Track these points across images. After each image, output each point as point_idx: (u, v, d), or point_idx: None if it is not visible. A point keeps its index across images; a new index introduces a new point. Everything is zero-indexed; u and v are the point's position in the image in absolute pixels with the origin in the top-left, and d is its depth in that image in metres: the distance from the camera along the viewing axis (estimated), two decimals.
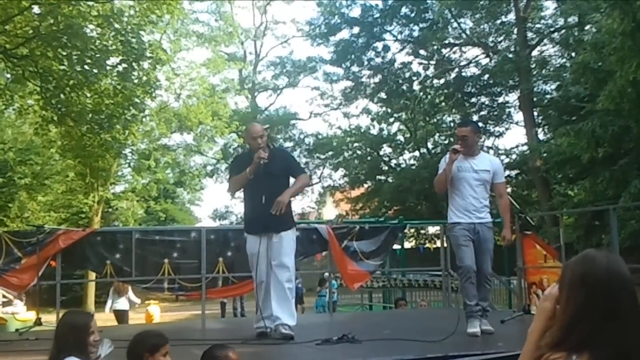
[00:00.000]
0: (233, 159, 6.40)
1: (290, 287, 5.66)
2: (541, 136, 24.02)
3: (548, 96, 23.67)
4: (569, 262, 1.90)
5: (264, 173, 5.51)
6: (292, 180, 5.85)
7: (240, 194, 6.35)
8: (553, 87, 23.19)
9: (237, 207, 34.69)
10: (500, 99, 27.10)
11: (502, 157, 27.51)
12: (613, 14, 12.02)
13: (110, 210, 26.62)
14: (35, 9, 13.08)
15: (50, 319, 6.83)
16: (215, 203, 60.53)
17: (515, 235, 7.50)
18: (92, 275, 12.25)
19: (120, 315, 11.94)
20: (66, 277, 9.12)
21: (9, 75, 14.59)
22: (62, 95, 13.55)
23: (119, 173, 26.38)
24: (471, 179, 5.75)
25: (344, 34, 28.60)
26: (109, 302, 12.21)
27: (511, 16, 23.98)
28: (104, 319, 11.58)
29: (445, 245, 8.96)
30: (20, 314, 11.58)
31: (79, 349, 3.15)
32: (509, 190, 25.99)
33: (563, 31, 22.63)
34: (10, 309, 11.83)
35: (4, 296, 11.53)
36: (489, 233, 5.78)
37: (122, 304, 12.02)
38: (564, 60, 23.24)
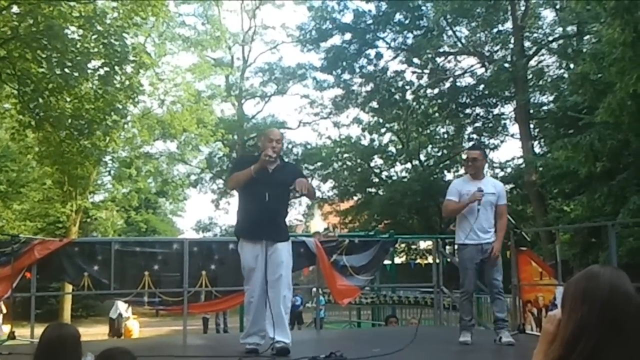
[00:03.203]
0: (239, 157, 6.39)
1: (288, 304, 5.65)
2: (537, 149, 24.14)
3: (545, 108, 23.81)
4: (573, 278, 1.92)
5: (268, 180, 5.45)
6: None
7: (234, 199, 6.30)
8: (550, 98, 23.32)
9: (222, 218, 34.62)
10: (496, 110, 27.25)
11: (497, 170, 27.69)
12: (614, 24, 12.09)
13: (88, 220, 26.45)
14: (14, 9, 13.01)
15: (24, 333, 6.77)
16: (199, 214, 60.34)
17: (510, 251, 7.53)
18: (69, 288, 12.14)
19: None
20: (41, 289, 9.03)
21: None
22: (40, 99, 13.48)
23: (99, 181, 26.27)
24: (481, 203, 6.21)
25: (336, 40, 28.69)
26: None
27: (508, 25, 24.14)
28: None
29: (437, 261, 8.98)
30: None
31: None
32: None
33: (561, 41, 22.77)
34: None
35: None
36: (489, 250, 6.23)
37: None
38: (562, 71, 23.39)
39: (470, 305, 6.35)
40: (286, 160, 6.50)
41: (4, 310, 11.65)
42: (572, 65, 21.02)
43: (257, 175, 5.45)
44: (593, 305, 1.78)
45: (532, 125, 23.90)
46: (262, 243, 5.46)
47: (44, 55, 12.98)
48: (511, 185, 26.93)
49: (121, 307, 12.62)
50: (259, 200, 5.47)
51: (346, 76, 29.17)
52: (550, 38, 23.49)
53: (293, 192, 5.62)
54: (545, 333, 1.95)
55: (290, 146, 34.90)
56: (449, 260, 10.10)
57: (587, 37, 20.38)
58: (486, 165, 6.71)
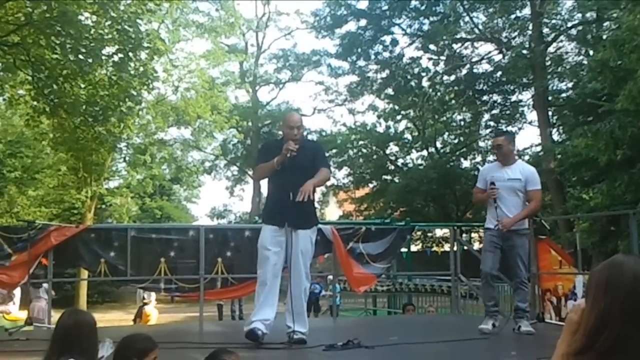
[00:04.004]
0: (263, 145, 6.51)
1: (307, 293, 5.65)
2: (556, 136, 23.97)
3: (564, 95, 23.61)
4: (596, 268, 1.91)
5: (292, 165, 5.43)
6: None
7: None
8: (569, 85, 23.13)
9: (236, 205, 34.69)
10: (514, 97, 27.07)
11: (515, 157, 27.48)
12: (634, 10, 11.97)
13: (103, 206, 26.63)
14: None
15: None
16: (213, 201, 60.48)
17: (529, 239, 7.49)
18: (85, 274, 12.27)
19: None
20: (58, 275, 9.12)
21: None
22: (54, 86, 13.51)
23: (113, 168, 26.42)
24: (504, 188, 6.23)
25: (351, 26, 28.58)
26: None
27: (526, 11, 23.92)
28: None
29: (455, 249, 8.96)
30: (12, 312, 11.57)
31: (86, 350, 3.13)
32: None
33: (580, 27, 22.53)
34: (4, 307, 11.82)
35: None
36: (519, 240, 6.26)
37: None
38: (581, 57, 23.19)
39: (490, 288, 6.36)
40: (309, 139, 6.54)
41: (18, 296, 11.75)
42: (591, 52, 20.83)
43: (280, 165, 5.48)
44: (617, 295, 1.77)
45: (550, 113, 23.72)
46: (285, 229, 5.43)
47: (58, 42, 13.00)
48: None
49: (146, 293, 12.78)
50: (283, 188, 5.48)
51: (361, 63, 29.10)
52: (569, 24, 23.25)
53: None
54: (569, 323, 1.94)
55: (305, 133, 34.90)
56: (465, 247, 10.10)
57: (607, 23, 20.17)
58: (513, 147, 6.58)
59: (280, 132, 5.87)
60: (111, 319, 19.42)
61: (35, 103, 14.31)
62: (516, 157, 6.53)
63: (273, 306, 5.47)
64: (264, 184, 6.29)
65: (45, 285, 12.93)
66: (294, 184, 5.40)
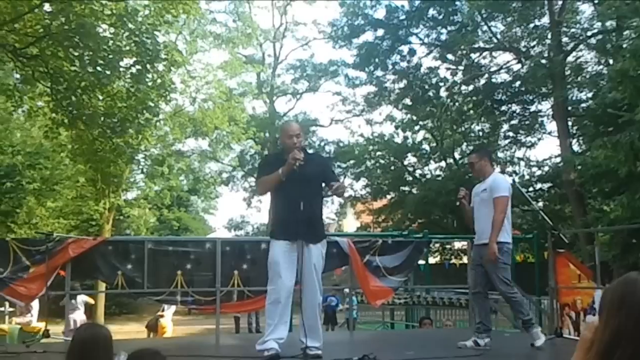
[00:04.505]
0: (263, 158, 6.31)
1: (320, 307, 5.61)
2: (576, 147, 23.82)
3: (583, 105, 23.46)
4: (610, 285, 1.91)
5: (298, 176, 5.28)
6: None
7: (267, 197, 6.18)
8: (589, 95, 22.98)
9: (254, 217, 34.79)
10: (533, 107, 26.92)
11: (534, 169, 27.35)
12: None
13: (121, 217, 26.79)
14: (46, 7, 13.21)
15: (58, 330, 6.89)
16: (231, 212, 60.63)
17: (547, 253, 7.46)
18: (102, 286, 12.37)
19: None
20: (76, 287, 9.20)
21: (18, 76, 14.76)
22: (73, 98, 13.66)
23: (131, 179, 26.57)
24: (477, 201, 6.34)
25: (368, 36, 28.57)
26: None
27: (545, 20, 23.84)
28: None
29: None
30: (31, 324, 11.70)
31: None
32: (540, 204, 25.89)
33: (600, 36, 22.41)
34: (22, 319, 11.96)
35: (11, 305, 11.65)
36: (486, 252, 6.07)
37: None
38: (601, 67, 23.05)
39: (478, 306, 6.43)
40: (310, 151, 6.42)
41: (36, 308, 11.88)
42: (611, 61, 20.71)
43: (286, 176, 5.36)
44: (631, 312, 1.76)
45: (570, 123, 23.57)
46: (297, 244, 5.34)
47: (76, 54, 13.17)
48: (549, 184, 26.63)
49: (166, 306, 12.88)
50: (292, 201, 5.34)
51: (379, 73, 29.03)
52: (589, 33, 23.13)
53: (326, 192, 5.61)
54: (582, 340, 1.94)
55: (322, 144, 34.98)
56: None
57: (627, 32, 20.03)
58: (486, 163, 6.41)
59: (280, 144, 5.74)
60: (129, 330, 19.51)
61: (54, 115, 14.48)
62: (493, 171, 6.39)
63: (286, 324, 5.43)
64: (266, 198, 6.01)
65: (81, 296, 13.17)
66: (302, 196, 5.31)
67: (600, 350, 1.80)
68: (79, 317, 12.76)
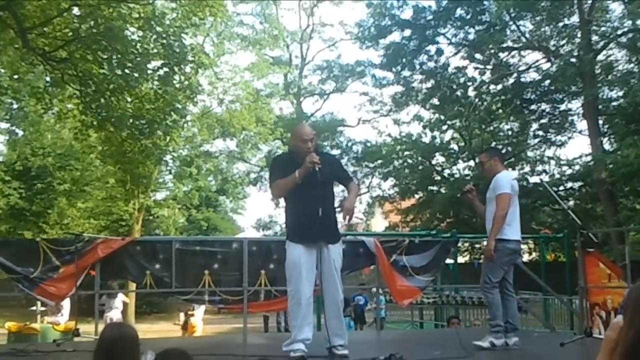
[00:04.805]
0: (274, 161, 6.05)
1: (342, 305, 5.61)
2: (607, 146, 23.55)
3: (614, 103, 23.17)
4: (634, 286, 1.88)
5: (315, 179, 5.28)
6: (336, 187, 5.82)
7: (281, 200, 6.08)
8: (620, 93, 22.69)
9: (282, 217, 34.76)
10: (563, 106, 26.60)
11: (564, 168, 27.07)
12: None
13: (151, 218, 27.05)
14: (75, 11, 13.37)
15: (88, 330, 6.97)
16: (259, 212, 60.84)
17: (577, 252, 7.39)
18: (132, 286, 12.51)
19: None
20: (105, 286, 9.31)
21: (48, 79, 14.95)
22: (102, 100, 13.83)
23: (160, 180, 26.82)
24: (487, 200, 6.30)
25: (395, 36, 28.50)
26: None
27: (574, 18, 23.58)
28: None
29: None
30: (61, 324, 11.87)
31: None
32: (571, 203, 25.61)
33: (631, 34, 22.12)
34: (53, 318, 12.14)
35: (42, 305, 11.82)
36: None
37: None
38: (632, 65, 22.75)
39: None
40: (324, 151, 6.40)
41: (66, 307, 12.04)
42: None
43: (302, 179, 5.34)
44: None
45: (601, 122, 23.32)
46: (316, 246, 5.36)
47: (104, 57, 13.33)
48: (580, 183, 26.33)
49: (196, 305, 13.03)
50: (310, 204, 5.34)
51: (406, 73, 28.96)
52: (619, 32, 22.84)
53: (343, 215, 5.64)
54: (607, 341, 1.92)
55: (350, 144, 34.98)
56: None
57: None
58: (496, 162, 6.38)
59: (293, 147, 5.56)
60: (159, 329, 19.70)
61: (83, 117, 14.67)
62: (502, 170, 6.33)
63: (311, 325, 5.43)
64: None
65: (120, 296, 13.36)
66: (319, 199, 5.35)
67: (624, 350, 1.78)
68: (116, 316, 12.93)
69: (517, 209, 6.20)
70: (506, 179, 6.18)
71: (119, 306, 13.38)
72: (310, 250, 5.37)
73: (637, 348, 1.74)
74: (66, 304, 11.25)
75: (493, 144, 28.64)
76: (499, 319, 6.07)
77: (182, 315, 13.95)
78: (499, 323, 6.04)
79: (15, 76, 15.94)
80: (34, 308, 12.78)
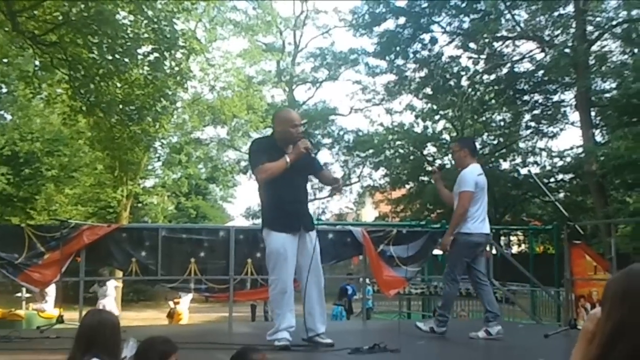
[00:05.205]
0: (257, 144, 5.88)
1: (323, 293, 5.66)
2: (599, 138, 23.62)
3: (607, 95, 23.23)
4: (613, 277, 1.91)
5: (297, 166, 5.32)
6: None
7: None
8: (613, 85, 22.76)
9: None
10: (555, 97, 26.67)
11: (556, 159, 27.18)
12: None
13: (139, 205, 27.01)
14: None
15: (73, 317, 7.00)
16: (249, 201, 60.70)
17: (563, 244, 7.45)
18: (119, 273, 12.53)
19: None
20: (91, 273, 9.32)
21: (37, 63, 14.87)
22: (91, 85, 13.77)
23: (149, 167, 26.77)
24: (454, 193, 6.49)
25: (389, 24, 28.44)
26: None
27: (570, 8, 23.57)
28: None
29: (489, 251, 8.94)
30: (47, 310, 11.87)
31: (109, 349, 3.23)
32: (561, 195, 25.74)
33: (625, 25, 22.14)
34: (38, 305, 12.14)
35: (27, 291, 11.82)
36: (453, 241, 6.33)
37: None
38: (626, 56, 22.79)
39: (479, 295, 6.48)
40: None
41: (52, 294, 12.04)
42: (636, 51, 20.49)
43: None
44: (633, 305, 1.77)
45: (593, 113, 23.37)
46: (299, 233, 5.39)
47: (94, 41, 13.24)
48: (570, 175, 26.44)
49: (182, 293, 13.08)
50: (294, 192, 5.39)
51: (399, 61, 28.93)
52: (614, 22, 22.85)
53: (332, 192, 5.69)
54: (584, 332, 1.95)
55: (341, 133, 35.00)
56: (498, 252, 10.05)
57: None
58: (465, 154, 6.54)
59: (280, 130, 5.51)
60: (146, 317, 19.74)
61: (72, 102, 14.59)
62: (470, 163, 6.46)
63: (293, 312, 5.44)
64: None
65: (112, 282, 13.35)
66: (300, 186, 5.46)
67: (602, 342, 1.81)
68: (109, 303, 12.94)
69: (484, 203, 6.37)
70: (470, 175, 6.31)
71: (112, 293, 13.39)
72: (293, 238, 5.36)
73: (614, 340, 1.77)
74: (52, 290, 11.25)
75: (485, 134, 28.75)
76: (447, 310, 6.34)
77: (171, 304, 13.98)
78: (445, 314, 6.29)
79: (5, 60, 15.86)
80: (19, 294, 12.78)
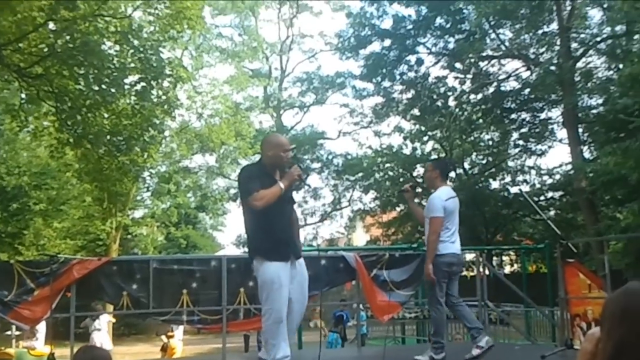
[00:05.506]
0: (247, 171, 5.72)
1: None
2: (587, 154, 23.74)
3: (594, 111, 23.40)
4: (611, 296, 1.91)
5: (287, 193, 5.29)
6: None
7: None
8: (600, 101, 22.91)
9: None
10: (543, 115, 26.86)
11: (545, 177, 27.31)
12: None
13: (129, 236, 26.88)
14: (51, 26, 13.29)
15: (64, 353, 6.93)
16: (239, 229, 60.49)
17: (557, 263, 7.46)
18: (109, 307, 12.42)
19: None
20: (81, 308, 9.24)
21: (23, 95, 14.85)
22: (78, 116, 13.74)
23: (138, 197, 26.71)
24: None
25: (375, 46, 28.57)
26: None
27: (554, 26, 23.79)
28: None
29: (482, 272, 8.95)
30: (37, 348, 11.73)
31: None
32: (552, 213, 25.81)
33: (610, 41, 22.36)
34: (29, 343, 12.01)
35: (17, 329, 11.70)
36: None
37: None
38: (611, 72, 22.99)
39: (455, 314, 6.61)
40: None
41: (42, 331, 11.92)
42: (621, 66, 20.65)
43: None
44: (633, 324, 1.76)
45: (581, 130, 23.51)
46: (289, 261, 5.32)
47: (80, 72, 13.25)
48: (560, 193, 26.54)
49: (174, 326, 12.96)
50: (286, 219, 5.36)
51: (386, 84, 29.04)
52: (598, 38, 23.06)
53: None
54: (583, 352, 1.95)
55: (330, 157, 35.03)
56: (491, 272, 10.04)
57: (637, 36, 20.00)
58: (436, 175, 6.65)
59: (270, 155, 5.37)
60: (138, 351, 19.57)
61: (59, 134, 14.53)
62: (439, 186, 6.55)
63: (287, 341, 5.34)
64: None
65: (105, 316, 13.23)
66: (289, 213, 5.42)
67: None
68: (101, 337, 12.82)
69: (454, 225, 6.48)
70: (438, 201, 6.40)
71: (104, 327, 13.27)
72: (285, 266, 5.27)
73: (616, 359, 1.77)
74: (42, 327, 11.14)
75: (474, 154, 28.85)
76: (440, 336, 6.37)
77: (164, 338, 13.86)
78: (439, 340, 6.32)
79: None
80: (9, 332, 12.64)
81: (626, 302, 1.83)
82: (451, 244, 6.39)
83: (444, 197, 6.43)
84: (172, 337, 13.41)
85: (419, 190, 6.73)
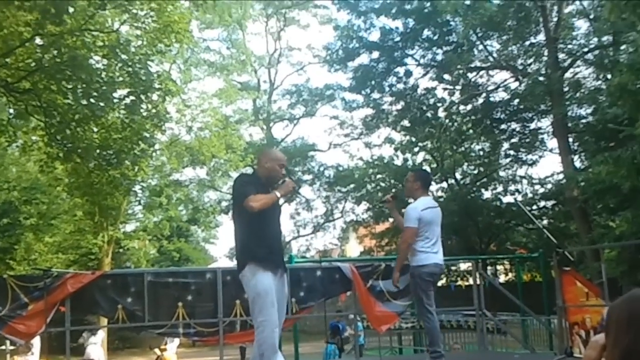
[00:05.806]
0: (244, 177, 5.80)
1: None
2: (578, 163, 23.84)
3: (584, 121, 23.52)
4: (615, 303, 1.89)
5: (277, 206, 5.34)
6: None
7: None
8: (589, 111, 23.04)
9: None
10: (532, 125, 27.01)
11: (537, 186, 27.39)
12: None
13: (121, 250, 26.75)
14: (38, 41, 13.23)
15: None
16: (232, 241, 60.28)
17: (553, 272, 7.44)
18: (104, 321, 12.32)
19: None
20: (76, 322, 9.14)
21: (11, 111, 14.76)
22: (67, 131, 13.64)
23: (129, 211, 26.57)
24: None
25: (363, 58, 28.69)
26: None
27: (541, 37, 23.94)
28: None
29: (478, 282, 8.92)
30: None
31: None
32: (545, 222, 25.86)
33: (597, 51, 22.51)
34: (24, 357, 11.87)
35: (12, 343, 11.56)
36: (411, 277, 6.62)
37: None
38: (599, 82, 23.13)
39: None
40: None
41: (37, 345, 11.78)
42: (609, 76, 20.77)
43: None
44: (638, 331, 1.75)
45: (571, 139, 23.62)
46: (279, 272, 5.26)
47: (69, 86, 13.17)
48: (552, 202, 26.61)
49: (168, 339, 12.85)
50: (277, 230, 5.41)
51: (376, 95, 29.14)
52: (586, 49, 23.24)
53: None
54: (587, 359, 1.92)
55: (322, 169, 35.04)
56: (486, 281, 10.02)
57: (624, 46, 20.12)
58: (417, 187, 6.64)
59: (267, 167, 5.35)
60: None
61: (48, 149, 14.43)
62: (418, 197, 6.58)
63: (280, 351, 5.36)
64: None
65: (101, 331, 13.11)
66: (279, 225, 5.44)
67: None
68: (96, 350, 12.70)
69: (434, 235, 6.46)
70: (413, 212, 6.42)
71: (99, 340, 13.15)
72: (275, 277, 5.21)
73: None
74: (36, 342, 11.02)
75: (465, 164, 28.94)
76: (437, 345, 6.37)
77: (157, 351, 13.73)
78: (436, 349, 6.32)
79: None
80: (3, 347, 12.49)
81: (632, 309, 1.80)
82: (433, 254, 6.39)
83: (420, 207, 6.43)
84: (164, 350, 13.28)
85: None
